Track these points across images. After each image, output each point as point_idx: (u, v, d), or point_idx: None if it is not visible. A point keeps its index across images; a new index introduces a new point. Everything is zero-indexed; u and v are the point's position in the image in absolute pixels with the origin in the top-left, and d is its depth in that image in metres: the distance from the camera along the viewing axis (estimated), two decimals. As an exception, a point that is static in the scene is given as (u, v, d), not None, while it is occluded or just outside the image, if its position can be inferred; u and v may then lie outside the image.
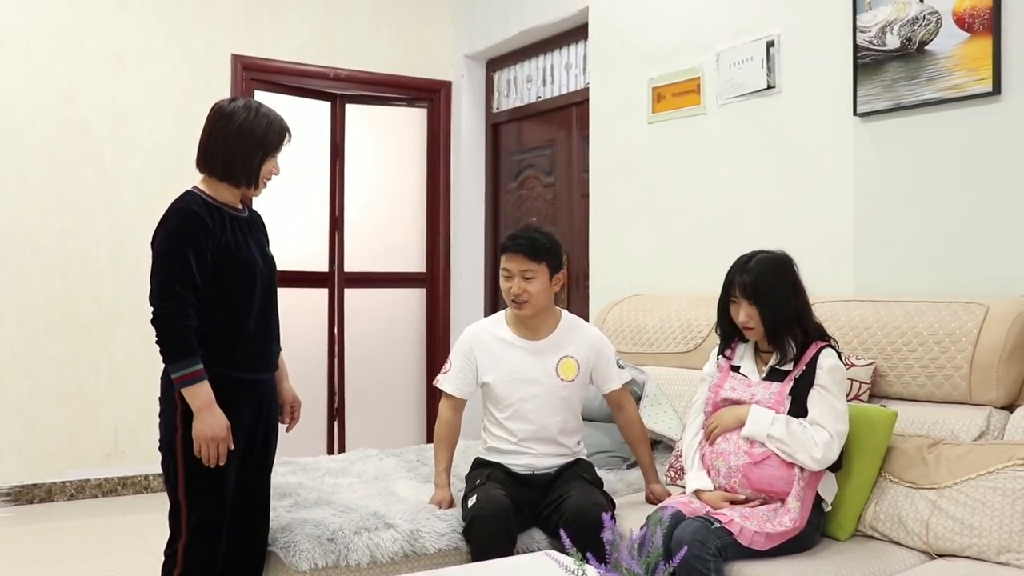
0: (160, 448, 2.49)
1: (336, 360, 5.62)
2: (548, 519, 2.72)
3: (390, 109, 5.89)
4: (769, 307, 2.53)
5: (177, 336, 2.36)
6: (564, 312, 3.04)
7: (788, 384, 2.53)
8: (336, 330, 5.61)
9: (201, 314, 2.42)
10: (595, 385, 3.03)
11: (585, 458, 3.03)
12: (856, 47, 3.22)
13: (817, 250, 3.38)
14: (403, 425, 5.85)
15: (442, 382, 2.99)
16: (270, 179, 2.60)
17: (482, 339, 2.97)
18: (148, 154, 5.02)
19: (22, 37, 4.74)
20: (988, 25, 2.85)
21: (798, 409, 2.50)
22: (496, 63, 5.77)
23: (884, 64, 3.14)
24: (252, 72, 5.30)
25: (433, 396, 5.85)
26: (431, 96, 5.88)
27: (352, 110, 5.74)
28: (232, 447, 2.41)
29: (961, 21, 2.92)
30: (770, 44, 3.59)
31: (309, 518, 2.65)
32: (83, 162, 4.89)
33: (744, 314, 2.57)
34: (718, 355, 2.74)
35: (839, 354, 2.59)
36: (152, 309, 2.39)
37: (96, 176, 4.91)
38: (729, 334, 2.69)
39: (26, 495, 4.73)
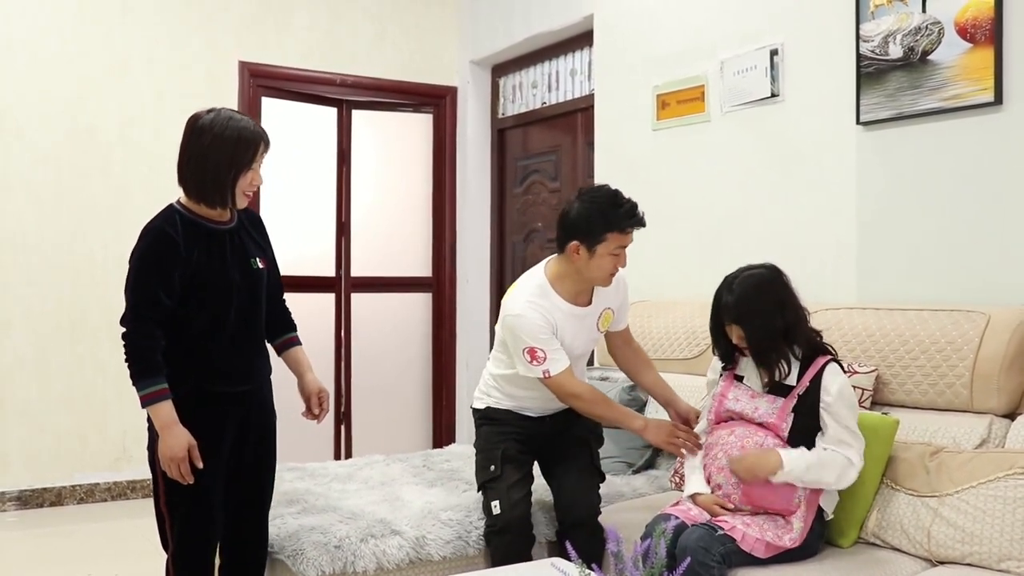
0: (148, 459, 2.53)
1: (343, 364, 5.65)
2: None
3: (396, 115, 5.93)
4: (752, 328, 2.49)
5: (140, 356, 2.39)
6: None
7: (791, 401, 2.49)
8: (343, 334, 5.64)
9: (175, 330, 2.42)
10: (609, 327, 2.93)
11: None
12: (859, 56, 3.25)
13: (820, 257, 3.41)
14: (410, 429, 5.87)
15: (554, 367, 2.67)
16: (252, 191, 2.52)
17: (553, 314, 2.73)
18: (155, 160, 5.04)
19: (30, 44, 4.78)
20: (990, 35, 2.87)
21: (801, 426, 2.48)
22: (501, 69, 5.80)
23: (887, 73, 3.16)
24: (259, 79, 5.33)
25: (440, 400, 5.90)
26: (437, 102, 5.91)
27: (358, 116, 5.77)
28: (200, 465, 2.39)
29: (963, 31, 2.94)
30: (774, 52, 3.61)
31: (316, 525, 2.69)
32: (90, 168, 4.93)
33: (735, 335, 2.54)
34: (722, 369, 2.71)
35: (841, 365, 2.56)
36: (122, 329, 2.42)
37: (103, 182, 4.96)
38: (729, 352, 2.63)
39: (36, 499, 4.77)
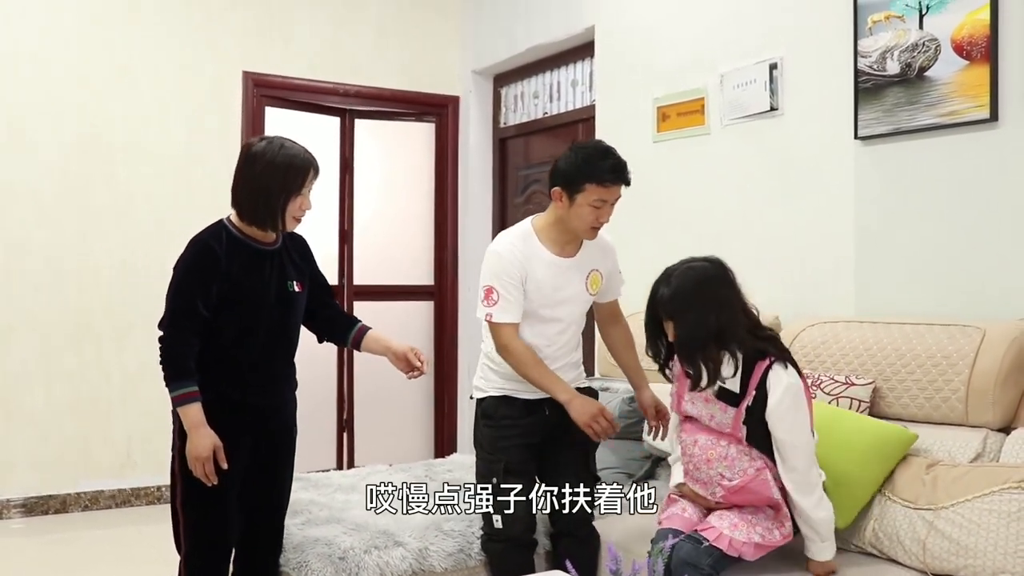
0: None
1: (345, 372, 5.69)
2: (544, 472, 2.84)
3: (399, 124, 5.97)
4: (682, 325, 2.38)
5: (174, 360, 2.50)
6: None
7: (741, 414, 2.42)
8: (345, 342, 5.68)
9: (207, 338, 2.54)
10: (598, 295, 2.93)
11: (586, 383, 2.99)
12: (857, 71, 3.28)
13: (818, 270, 3.45)
14: (411, 437, 5.91)
15: (498, 315, 2.71)
16: (302, 215, 2.63)
17: (528, 261, 2.75)
18: (159, 168, 5.10)
19: (35, 53, 4.82)
20: (986, 53, 2.90)
21: (759, 435, 2.41)
22: (503, 79, 5.84)
23: (884, 89, 3.20)
24: (263, 88, 5.37)
25: (441, 408, 5.94)
26: (439, 111, 5.95)
27: (361, 125, 5.81)
28: (225, 466, 2.49)
29: (959, 48, 2.98)
30: (773, 67, 3.65)
31: (321, 536, 2.73)
32: (95, 176, 4.97)
33: (671, 333, 2.44)
34: (660, 371, 2.63)
35: (787, 361, 2.43)
36: (159, 333, 2.54)
37: (108, 189, 5.00)
38: (667, 350, 2.55)
39: (41, 506, 4.81)
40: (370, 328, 2.89)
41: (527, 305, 2.77)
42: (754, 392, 2.40)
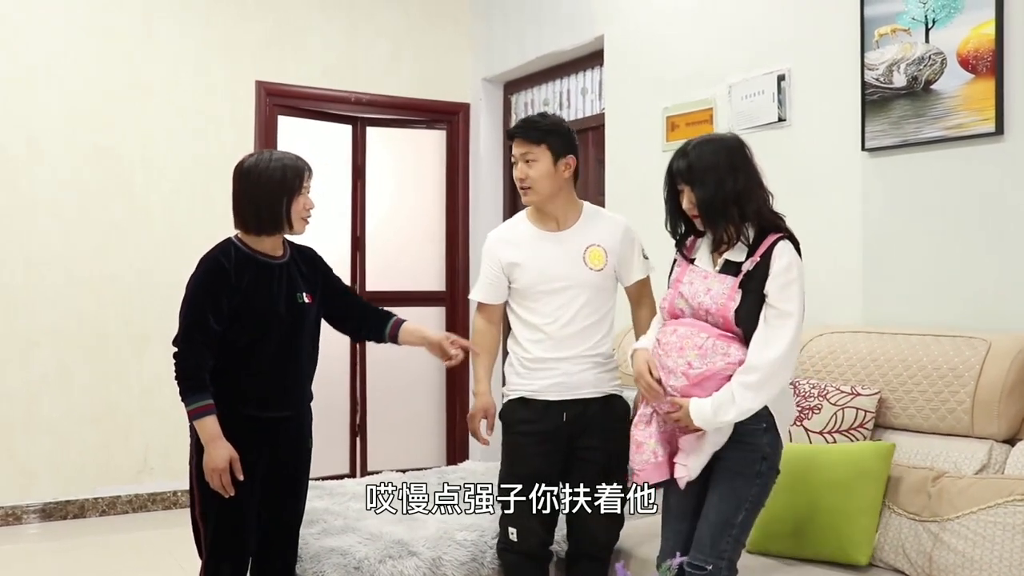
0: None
1: (358, 377, 5.74)
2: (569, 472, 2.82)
3: (410, 131, 6.02)
4: (702, 188, 2.39)
5: (188, 374, 2.57)
6: (586, 204, 2.95)
7: (741, 275, 2.40)
8: (358, 347, 5.73)
9: (219, 351, 2.61)
10: (618, 277, 2.93)
11: (617, 390, 2.92)
12: (864, 84, 3.32)
13: (825, 281, 3.46)
14: (424, 442, 5.95)
15: (473, 291, 2.98)
16: (308, 215, 2.71)
17: (505, 238, 2.91)
18: (175, 179, 5.17)
19: (52, 67, 4.89)
20: (991, 67, 2.93)
21: (749, 304, 2.38)
22: (513, 86, 5.88)
23: (891, 101, 3.23)
24: (276, 98, 5.43)
25: (453, 414, 5.98)
26: (450, 118, 6.00)
27: (373, 133, 5.87)
28: (241, 478, 2.55)
29: (965, 62, 3.01)
30: (781, 78, 3.68)
31: (336, 546, 2.78)
32: (112, 187, 5.04)
33: (687, 200, 2.45)
34: (676, 249, 2.60)
35: (796, 245, 2.44)
36: (174, 349, 2.61)
37: (125, 201, 5.06)
38: (686, 227, 2.56)
39: (59, 511, 4.88)
40: (405, 320, 2.93)
41: (523, 284, 2.84)
42: (759, 259, 2.39)
